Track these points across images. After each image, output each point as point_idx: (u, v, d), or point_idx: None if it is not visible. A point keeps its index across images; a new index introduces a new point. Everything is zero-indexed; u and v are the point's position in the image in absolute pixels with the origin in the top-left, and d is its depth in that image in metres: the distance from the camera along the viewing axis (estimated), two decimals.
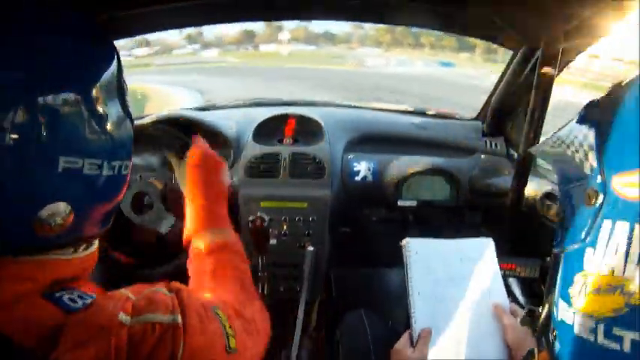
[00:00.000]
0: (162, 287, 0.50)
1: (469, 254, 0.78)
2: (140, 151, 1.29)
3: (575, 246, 0.37)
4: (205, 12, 1.13)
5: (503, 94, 1.33)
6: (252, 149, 1.26)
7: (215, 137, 1.31)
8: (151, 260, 1.11)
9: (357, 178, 1.30)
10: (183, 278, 0.64)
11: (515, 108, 1.32)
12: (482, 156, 1.36)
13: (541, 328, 0.44)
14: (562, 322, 0.38)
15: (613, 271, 0.33)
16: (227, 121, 1.37)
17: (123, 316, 0.44)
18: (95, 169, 0.46)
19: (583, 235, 0.36)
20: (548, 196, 1.15)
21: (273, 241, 1.19)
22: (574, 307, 0.36)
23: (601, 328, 0.33)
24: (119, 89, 0.51)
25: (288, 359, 1.04)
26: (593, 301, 0.34)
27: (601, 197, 0.35)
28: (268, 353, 1.11)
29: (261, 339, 0.63)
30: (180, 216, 0.89)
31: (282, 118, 1.35)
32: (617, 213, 0.34)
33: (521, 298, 1.11)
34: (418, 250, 0.76)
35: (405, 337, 0.73)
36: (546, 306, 0.43)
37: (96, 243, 0.55)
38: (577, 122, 0.42)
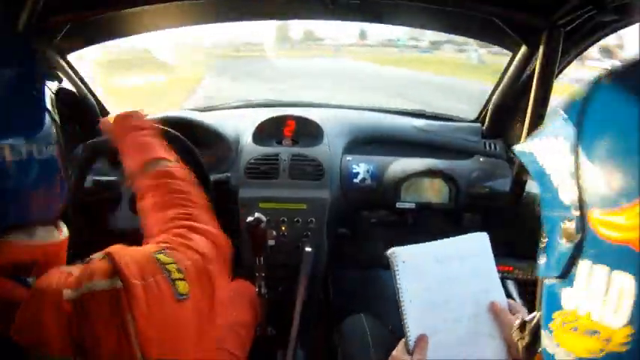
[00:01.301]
0: (97, 254, 0.49)
1: (462, 252, 0.75)
2: None
3: (554, 281, 0.35)
4: (208, 11, 1.14)
5: (502, 95, 1.32)
6: (252, 150, 1.27)
7: (215, 138, 1.31)
8: None
9: (356, 180, 1.30)
10: None
11: (515, 110, 1.32)
12: (482, 158, 1.35)
13: (530, 340, 0.44)
14: (545, 350, 0.37)
15: (590, 315, 0.31)
16: (227, 122, 1.37)
17: (66, 292, 0.44)
18: None
19: (561, 271, 0.33)
20: None
21: (271, 242, 1.19)
22: (554, 342, 0.35)
23: None
24: (24, 77, 0.51)
25: None
26: (571, 340, 0.33)
27: (579, 235, 0.31)
28: (266, 353, 1.12)
29: (222, 247, 0.60)
30: None
31: (282, 120, 1.35)
32: (595, 255, 0.30)
33: (518, 301, 1.11)
34: (405, 258, 0.71)
35: (401, 345, 0.71)
36: (535, 320, 0.42)
37: (61, 234, 0.55)
38: (553, 133, 0.34)
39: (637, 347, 0.28)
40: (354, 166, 1.31)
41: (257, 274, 1.07)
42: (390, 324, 1.04)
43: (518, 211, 1.18)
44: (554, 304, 0.34)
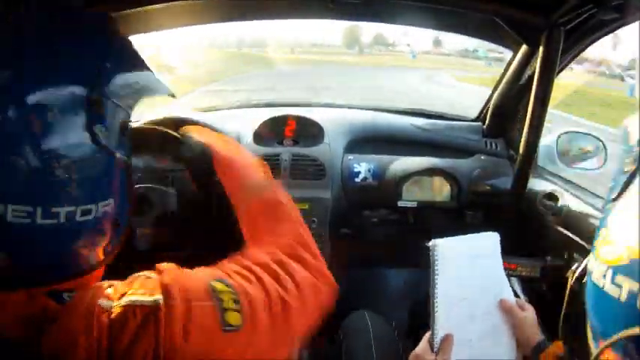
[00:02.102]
0: (147, 272, 0.47)
1: (480, 250, 0.76)
2: (141, 153, 1.29)
3: (608, 205, 0.41)
4: (210, 10, 1.14)
5: (503, 94, 1.32)
6: (252, 150, 1.26)
7: None
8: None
9: (357, 180, 1.30)
10: None
11: (516, 109, 1.32)
12: (483, 157, 1.36)
13: (576, 281, 0.51)
14: (589, 271, 0.42)
15: (627, 226, 0.36)
16: (227, 123, 1.36)
17: (104, 302, 0.42)
18: (24, 217, 0.38)
19: (614, 196, 0.40)
20: (548, 196, 1.15)
21: None
22: (595, 256, 0.40)
23: (609, 274, 0.37)
24: (87, 109, 0.41)
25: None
26: (609, 251, 0.38)
27: (635, 166, 0.39)
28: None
29: (302, 309, 0.54)
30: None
31: (282, 120, 1.35)
32: None
33: (522, 298, 1.11)
34: (446, 251, 0.71)
35: (424, 342, 0.71)
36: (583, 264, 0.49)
37: None
38: None
39: None
40: (355, 165, 1.31)
41: None
42: (393, 321, 1.04)
43: (520, 208, 1.18)
44: (603, 223, 0.41)
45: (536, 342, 0.69)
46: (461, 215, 1.39)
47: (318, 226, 1.22)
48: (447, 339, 0.69)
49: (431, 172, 1.29)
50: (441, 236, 0.79)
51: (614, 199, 0.41)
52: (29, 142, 0.37)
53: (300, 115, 1.36)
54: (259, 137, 1.30)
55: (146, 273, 0.47)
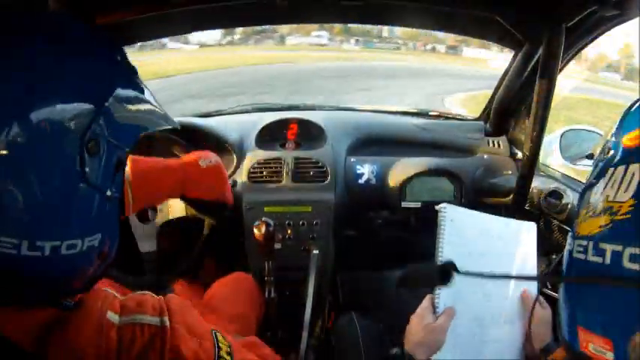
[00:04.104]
0: (153, 294, 0.50)
1: (508, 233, 0.75)
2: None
3: (588, 190, 0.45)
4: (212, 16, 1.14)
5: (505, 93, 1.32)
6: (255, 154, 1.27)
7: (218, 143, 1.31)
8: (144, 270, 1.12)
9: (361, 181, 1.30)
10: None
11: (518, 107, 1.32)
12: (485, 156, 1.36)
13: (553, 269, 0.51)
14: (567, 251, 0.45)
15: (607, 198, 0.41)
16: (230, 127, 1.37)
17: (111, 315, 0.44)
18: (10, 248, 0.37)
19: (595, 177, 0.44)
20: (552, 194, 1.15)
21: (277, 246, 1.19)
22: (575, 235, 0.44)
23: (590, 245, 0.41)
24: (81, 149, 0.40)
25: None
26: (589, 224, 0.42)
27: (612, 152, 0.43)
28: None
29: None
30: None
31: (285, 123, 1.35)
32: (619, 160, 0.41)
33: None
34: (454, 217, 0.71)
35: (427, 301, 0.70)
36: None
37: None
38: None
39: (634, 215, 0.38)
40: (358, 167, 1.31)
41: (266, 278, 1.07)
42: (381, 323, 1.07)
43: (523, 207, 1.18)
44: (583, 204, 0.45)
45: (545, 343, 0.69)
46: None
47: (321, 228, 1.22)
48: (448, 311, 0.68)
49: (434, 172, 1.29)
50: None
51: (596, 180, 0.44)
52: (20, 176, 0.37)
53: (302, 118, 1.36)
54: (262, 141, 1.31)
55: (148, 293, 0.50)
